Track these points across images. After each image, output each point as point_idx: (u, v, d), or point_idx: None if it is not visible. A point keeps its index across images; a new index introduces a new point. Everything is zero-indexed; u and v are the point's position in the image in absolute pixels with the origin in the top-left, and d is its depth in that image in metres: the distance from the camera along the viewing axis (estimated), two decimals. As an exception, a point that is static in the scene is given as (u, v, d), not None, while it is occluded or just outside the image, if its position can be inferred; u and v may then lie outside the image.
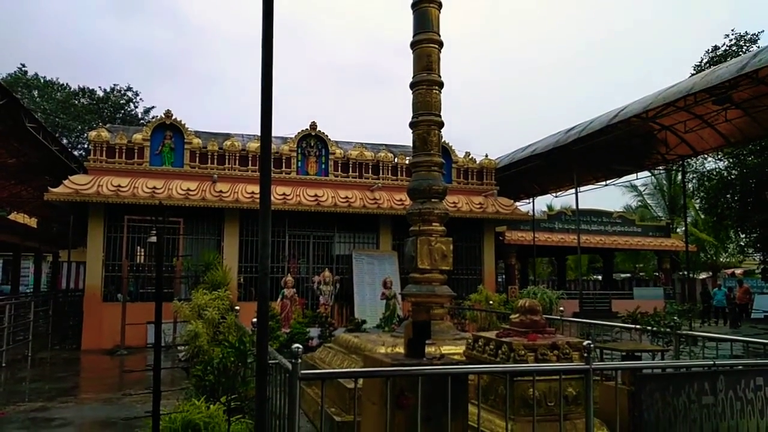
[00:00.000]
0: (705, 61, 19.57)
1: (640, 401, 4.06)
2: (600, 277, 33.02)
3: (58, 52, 61.20)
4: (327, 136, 14.96)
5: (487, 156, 16.46)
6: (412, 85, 7.98)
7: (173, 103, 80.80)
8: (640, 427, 4.03)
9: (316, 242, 14.91)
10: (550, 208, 30.58)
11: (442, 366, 3.82)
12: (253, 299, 13.47)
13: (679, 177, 23.76)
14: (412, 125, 7.97)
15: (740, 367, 4.47)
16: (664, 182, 29.62)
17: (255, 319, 10.49)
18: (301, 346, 3.38)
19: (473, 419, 5.33)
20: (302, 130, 14.80)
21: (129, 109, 39.57)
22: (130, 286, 12.81)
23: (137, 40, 79.66)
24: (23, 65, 39.72)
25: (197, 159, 13.85)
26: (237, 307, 7.58)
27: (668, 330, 6.73)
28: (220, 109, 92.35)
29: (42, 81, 38.42)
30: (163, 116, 13.82)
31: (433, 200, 7.80)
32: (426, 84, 7.88)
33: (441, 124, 7.97)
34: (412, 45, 8.00)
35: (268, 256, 3.94)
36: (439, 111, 7.96)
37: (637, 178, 18.34)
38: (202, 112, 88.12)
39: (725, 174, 17.59)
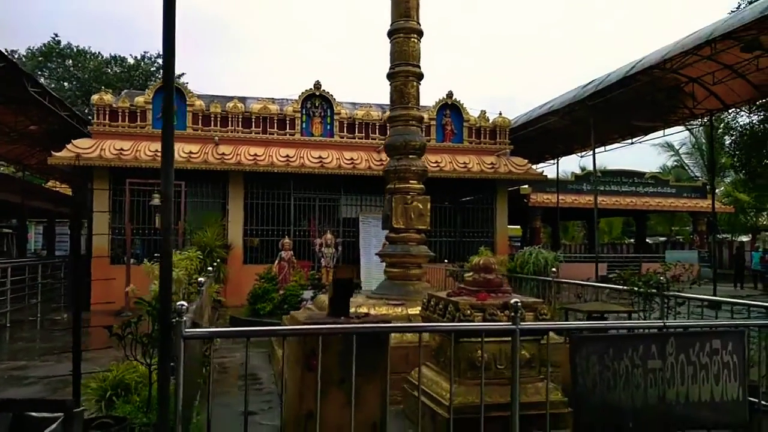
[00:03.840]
0: (743, 5, 17.96)
1: (575, 365, 3.73)
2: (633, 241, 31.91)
3: (91, 19, 62.00)
4: (332, 95, 14.61)
5: (501, 114, 15.81)
6: (390, 34, 7.56)
7: (208, 70, 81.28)
8: (574, 392, 3.71)
9: (322, 205, 14.73)
10: (583, 169, 29.50)
11: (342, 325, 3.56)
12: (256, 262, 13.50)
13: (720, 134, 22.43)
14: (389, 76, 7.58)
15: (698, 329, 4.06)
16: (703, 140, 28.04)
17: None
18: (185, 304, 3.22)
19: (425, 382, 5.12)
20: (306, 90, 14.48)
21: (159, 77, 39.92)
22: (136, 249, 12.98)
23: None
24: (56, 35, 40.48)
25: (200, 121, 13.77)
26: (210, 267, 7.52)
27: (654, 291, 6.29)
28: (250, 73, 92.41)
29: (75, 50, 38.99)
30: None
31: (410, 156, 7.45)
32: (404, 32, 7.45)
33: (420, 76, 7.55)
34: (388, -11, 7.53)
35: (170, 210, 3.74)
36: (418, 61, 7.54)
37: (664, 135, 17.36)
38: (236, 77, 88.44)
39: (758, 129, 16.32)
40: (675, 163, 30.49)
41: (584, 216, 29.75)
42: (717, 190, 25.03)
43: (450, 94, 15.35)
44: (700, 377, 3.84)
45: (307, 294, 10.47)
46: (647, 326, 4.05)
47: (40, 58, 38.02)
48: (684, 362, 3.83)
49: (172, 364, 3.52)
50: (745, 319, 5.36)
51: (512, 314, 3.62)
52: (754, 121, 16.61)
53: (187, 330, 3.08)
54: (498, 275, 5.10)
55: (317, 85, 14.53)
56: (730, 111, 16.39)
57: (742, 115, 16.96)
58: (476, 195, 15.93)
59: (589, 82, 14.82)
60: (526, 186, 21.19)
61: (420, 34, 7.52)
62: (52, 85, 36.17)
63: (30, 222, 31.04)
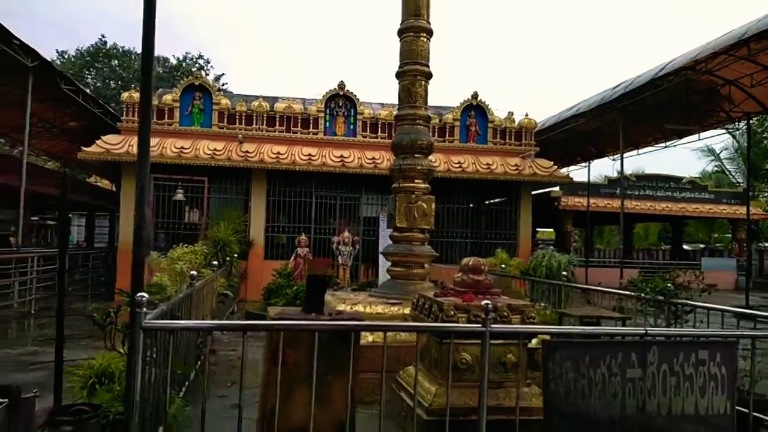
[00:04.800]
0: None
1: (547, 370, 3.61)
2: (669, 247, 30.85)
3: (135, 21, 63.86)
4: (356, 95, 14.64)
5: (527, 115, 15.53)
6: (400, 32, 7.54)
7: (246, 70, 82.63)
8: (546, 399, 3.60)
9: (343, 203, 14.77)
10: (619, 173, 28.71)
11: (305, 322, 3.53)
12: (279, 258, 13.63)
13: (763, 138, 21.54)
14: (397, 75, 7.56)
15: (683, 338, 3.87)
16: (745, 145, 26.88)
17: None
18: (146, 295, 3.24)
19: (410, 382, 5.07)
20: (330, 90, 14.55)
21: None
22: (160, 242, 13.28)
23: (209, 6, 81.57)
24: (103, 36, 42.00)
25: (225, 120, 14.01)
26: (215, 262, 7.65)
27: (661, 298, 6.07)
28: (286, 72, 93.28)
29: (120, 50, 40.25)
30: (192, 77, 14.03)
31: (416, 156, 7.41)
32: (413, 31, 7.41)
33: (428, 75, 7.50)
34: (400, -13, 7.49)
35: (146, 203, 3.80)
36: (427, 60, 7.49)
37: (699, 139, 16.75)
38: (275, 77, 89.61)
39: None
40: (716, 168, 29.37)
41: (618, 220, 28.95)
42: (760, 197, 24.01)
43: (475, 95, 15.18)
44: (684, 389, 3.67)
45: (320, 291, 10.52)
46: (628, 333, 3.90)
47: (87, 58, 39.41)
48: (667, 372, 3.66)
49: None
50: (752, 330, 5.11)
51: (483, 316, 3.54)
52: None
53: (146, 321, 3.11)
54: (488, 277, 5.00)
55: (341, 85, 14.59)
56: (769, 115, 15.74)
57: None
58: (500, 197, 15.71)
59: (618, 84, 14.43)
60: (557, 189, 20.78)
61: (430, 33, 7.47)
62: (98, 84, 37.50)
63: (73, 215, 32.23)
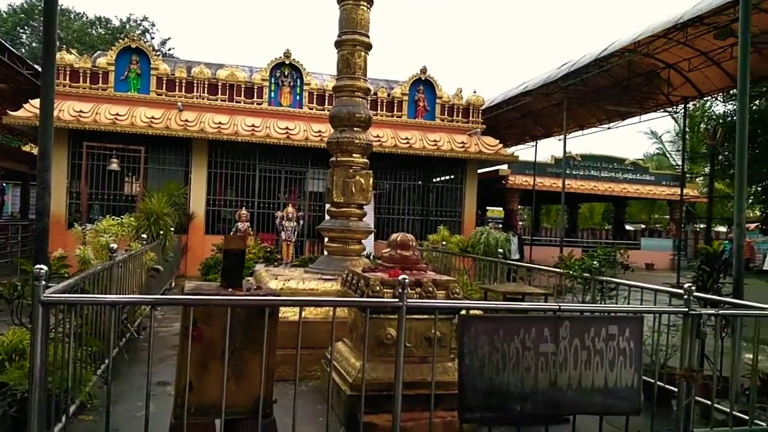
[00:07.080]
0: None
1: (462, 344, 3.63)
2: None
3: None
4: (302, 65, 14.29)
5: (475, 92, 15.57)
6: (339, 0, 7.31)
7: (197, 36, 79.59)
8: (460, 372, 3.62)
9: (289, 177, 14.52)
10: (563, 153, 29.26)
11: (215, 297, 3.42)
12: (219, 232, 13.33)
13: (698, 122, 22.37)
14: (336, 44, 7.36)
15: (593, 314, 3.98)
16: (688, 129, 27.84)
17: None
18: (44, 267, 3.05)
19: (337, 357, 5.04)
20: (275, 58, 14.13)
21: (144, 40, 39.35)
22: (95, 214, 12.76)
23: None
24: (39, -9, 39.52)
25: (164, 86, 13.44)
26: (144, 235, 7.38)
27: (587, 275, 6.22)
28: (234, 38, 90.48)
29: (58, 9, 38.03)
30: (128, 40, 13.37)
31: (354, 129, 7.27)
32: (353, -1, 7.21)
33: (368, 46, 7.34)
34: (336, -46, 7.27)
35: (48, 170, 3.61)
36: (367, 30, 7.32)
37: (640, 121, 17.18)
38: (228, 46, 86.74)
39: (729, 119, 16.18)
40: (657, 150, 30.41)
41: (565, 200, 29.65)
42: (697, 179, 25.04)
43: (424, 70, 15.09)
44: (594, 363, 3.75)
45: (259, 267, 10.34)
46: (541, 309, 3.96)
47: (22, 15, 37.16)
48: (578, 347, 3.73)
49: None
50: (668, 306, 5.30)
51: (399, 291, 3.51)
52: (727, 111, 16.47)
53: (45, 295, 2.93)
54: (415, 252, 4.99)
55: (287, 53, 14.18)
56: (706, 99, 16.28)
57: (718, 104, 16.87)
58: (447, 174, 15.80)
59: (564, 63, 14.60)
60: (506, 167, 21.07)
61: (370, 2, 7.29)
62: (34, 44, 35.40)
63: (7, 184, 30.67)
